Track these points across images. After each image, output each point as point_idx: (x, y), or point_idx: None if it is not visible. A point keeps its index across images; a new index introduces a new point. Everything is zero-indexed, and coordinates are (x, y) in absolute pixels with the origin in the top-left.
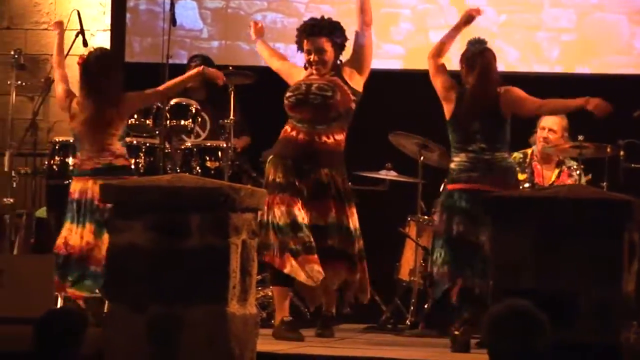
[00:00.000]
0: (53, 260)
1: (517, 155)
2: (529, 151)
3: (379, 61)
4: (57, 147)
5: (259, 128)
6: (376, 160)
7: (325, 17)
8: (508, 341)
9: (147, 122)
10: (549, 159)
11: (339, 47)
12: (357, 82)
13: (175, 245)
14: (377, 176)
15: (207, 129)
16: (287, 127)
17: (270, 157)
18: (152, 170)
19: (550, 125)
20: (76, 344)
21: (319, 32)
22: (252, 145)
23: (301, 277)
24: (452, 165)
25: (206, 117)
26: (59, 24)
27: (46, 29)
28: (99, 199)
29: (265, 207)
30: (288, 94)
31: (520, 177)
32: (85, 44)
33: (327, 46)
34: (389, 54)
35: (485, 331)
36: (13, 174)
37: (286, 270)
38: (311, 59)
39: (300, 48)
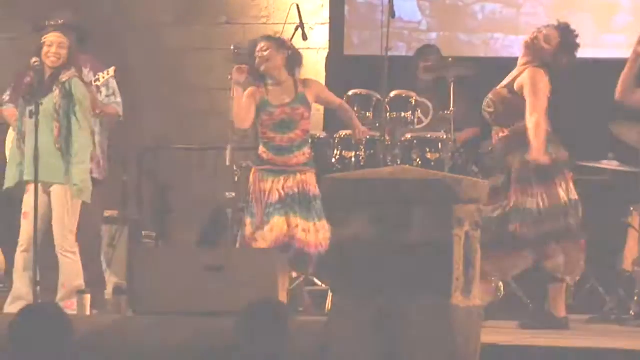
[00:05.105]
0: (274, 254)
1: None
2: None
3: (600, 50)
4: None
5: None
6: (598, 150)
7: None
8: None
9: (367, 114)
10: None
11: None
12: None
13: (398, 237)
14: (599, 166)
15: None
16: None
17: None
18: (372, 163)
19: None
20: (281, 335)
21: None
22: (475, 138)
23: None
24: None
25: (429, 106)
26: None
27: (265, 24)
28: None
29: None
30: None
31: None
32: (304, 37)
33: None
34: (610, 44)
35: None
36: (235, 168)
37: None
38: None
39: None
